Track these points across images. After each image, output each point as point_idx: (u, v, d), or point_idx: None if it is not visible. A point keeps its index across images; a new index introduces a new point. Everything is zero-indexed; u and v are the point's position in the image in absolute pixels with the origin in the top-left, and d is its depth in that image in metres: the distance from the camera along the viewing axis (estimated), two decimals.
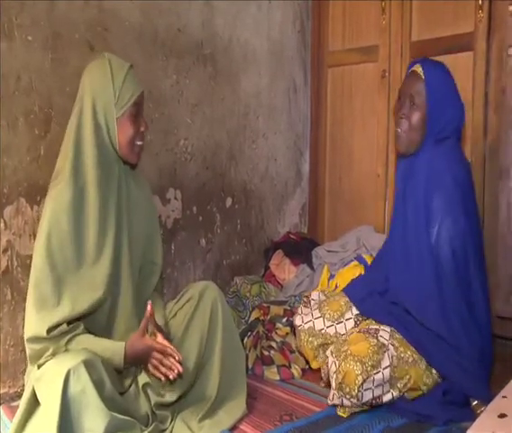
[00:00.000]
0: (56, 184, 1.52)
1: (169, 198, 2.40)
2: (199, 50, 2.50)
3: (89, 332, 1.52)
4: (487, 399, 1.52)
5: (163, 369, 1.50)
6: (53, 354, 1.44)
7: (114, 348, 1.49)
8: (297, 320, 2.07)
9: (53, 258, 1.45)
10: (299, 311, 2.10)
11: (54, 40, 1.91)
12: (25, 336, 1.47)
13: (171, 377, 1.50)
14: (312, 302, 2.10)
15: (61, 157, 1.55)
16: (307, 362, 2.11)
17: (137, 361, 1.53)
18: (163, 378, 1.51)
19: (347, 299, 2.05)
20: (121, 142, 1.55)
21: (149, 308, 1.51)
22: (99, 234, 1.52)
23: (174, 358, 1.50)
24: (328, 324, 1.99)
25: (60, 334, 1.45)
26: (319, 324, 2.00)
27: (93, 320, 1.55)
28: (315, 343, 2.00)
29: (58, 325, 1.44)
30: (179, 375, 1.52)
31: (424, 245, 1.87)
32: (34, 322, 1.44)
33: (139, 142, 1.60)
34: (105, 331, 1.58)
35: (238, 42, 2.71)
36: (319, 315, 2.02)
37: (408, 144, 1.96)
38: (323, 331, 2.00)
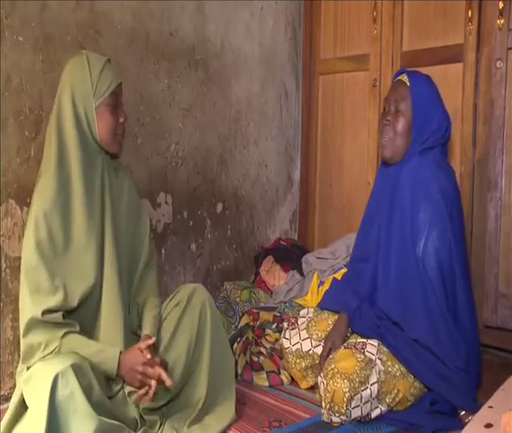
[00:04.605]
0: (41, 177, 1.53)
1: (160, 203, 2.39)
2: (191, 54, 2.50)
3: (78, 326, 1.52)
4: (474, 409, 1.53)
5: (150, 391, 1.47)
6: (46, 346, 1.43)
7: (108, 354, 1.48)
8: (285, 343, 2.04)
9: (43, 248, 1.46)
10: (286, 335, 2.05)
11: (45, 41, 1.90)
12: (21, 329, 1.46)
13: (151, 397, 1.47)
14: (300, 321, 2.07)
15: (45, 152, 1.57)
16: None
17: (125, 376, 1.50)
18: (146, 396, 1.48)
19: (335, 317, 1.98)
20: (101, 132, 1.56)
21: (150, 341, 1.51)
22: (87, 222, 1.53)
23: (164, 384, 1.48)
24: (315, 344, 1.96)
25: (56, 324, 1.44)
26: (306, 345, 1.97)
27: (81, 312, 1.53)
28: (303, 364, 1.97)
29: (52, 310, 1.44)
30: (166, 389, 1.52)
31: (410, 257, 1.84)
32: (29, 307, 1.44)
33: (119, 133, 1.61)
34: (92, 321, 1.57)
35: (230, 48, 2.71)
36: (306, 336, 1.99)
37: (394, 150, 1.92)
38: (310, 352, 1.96)
